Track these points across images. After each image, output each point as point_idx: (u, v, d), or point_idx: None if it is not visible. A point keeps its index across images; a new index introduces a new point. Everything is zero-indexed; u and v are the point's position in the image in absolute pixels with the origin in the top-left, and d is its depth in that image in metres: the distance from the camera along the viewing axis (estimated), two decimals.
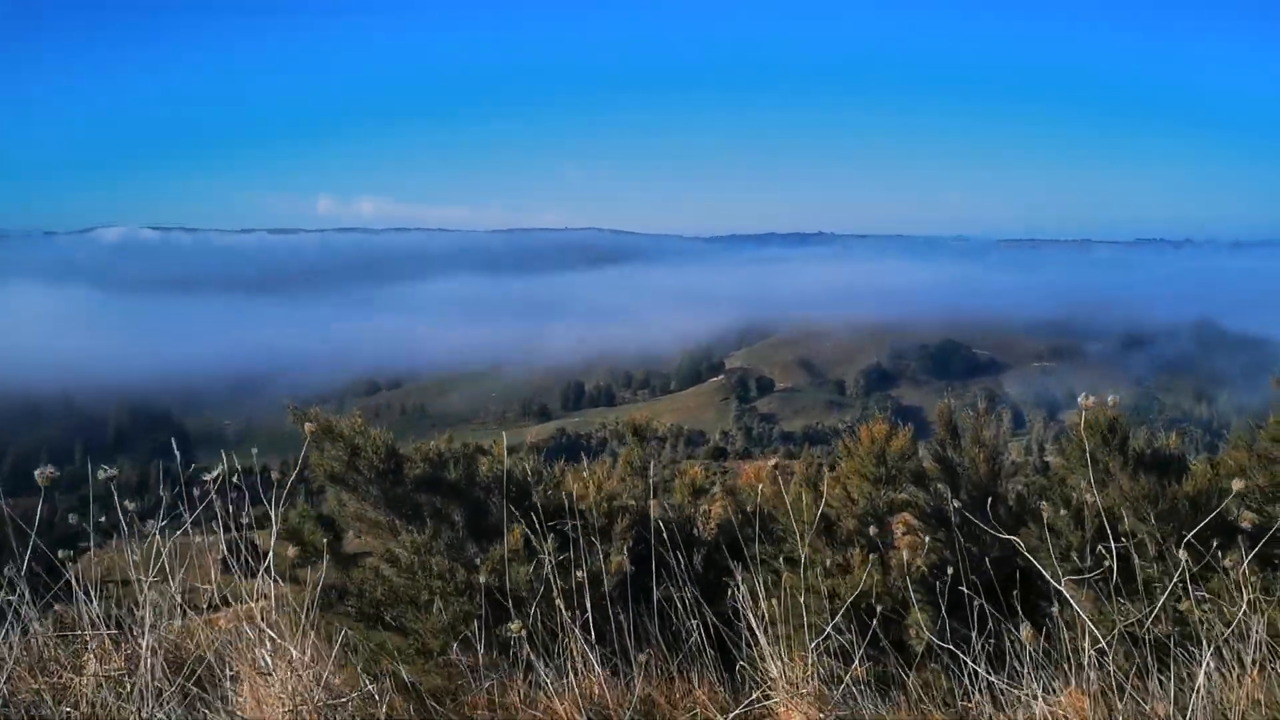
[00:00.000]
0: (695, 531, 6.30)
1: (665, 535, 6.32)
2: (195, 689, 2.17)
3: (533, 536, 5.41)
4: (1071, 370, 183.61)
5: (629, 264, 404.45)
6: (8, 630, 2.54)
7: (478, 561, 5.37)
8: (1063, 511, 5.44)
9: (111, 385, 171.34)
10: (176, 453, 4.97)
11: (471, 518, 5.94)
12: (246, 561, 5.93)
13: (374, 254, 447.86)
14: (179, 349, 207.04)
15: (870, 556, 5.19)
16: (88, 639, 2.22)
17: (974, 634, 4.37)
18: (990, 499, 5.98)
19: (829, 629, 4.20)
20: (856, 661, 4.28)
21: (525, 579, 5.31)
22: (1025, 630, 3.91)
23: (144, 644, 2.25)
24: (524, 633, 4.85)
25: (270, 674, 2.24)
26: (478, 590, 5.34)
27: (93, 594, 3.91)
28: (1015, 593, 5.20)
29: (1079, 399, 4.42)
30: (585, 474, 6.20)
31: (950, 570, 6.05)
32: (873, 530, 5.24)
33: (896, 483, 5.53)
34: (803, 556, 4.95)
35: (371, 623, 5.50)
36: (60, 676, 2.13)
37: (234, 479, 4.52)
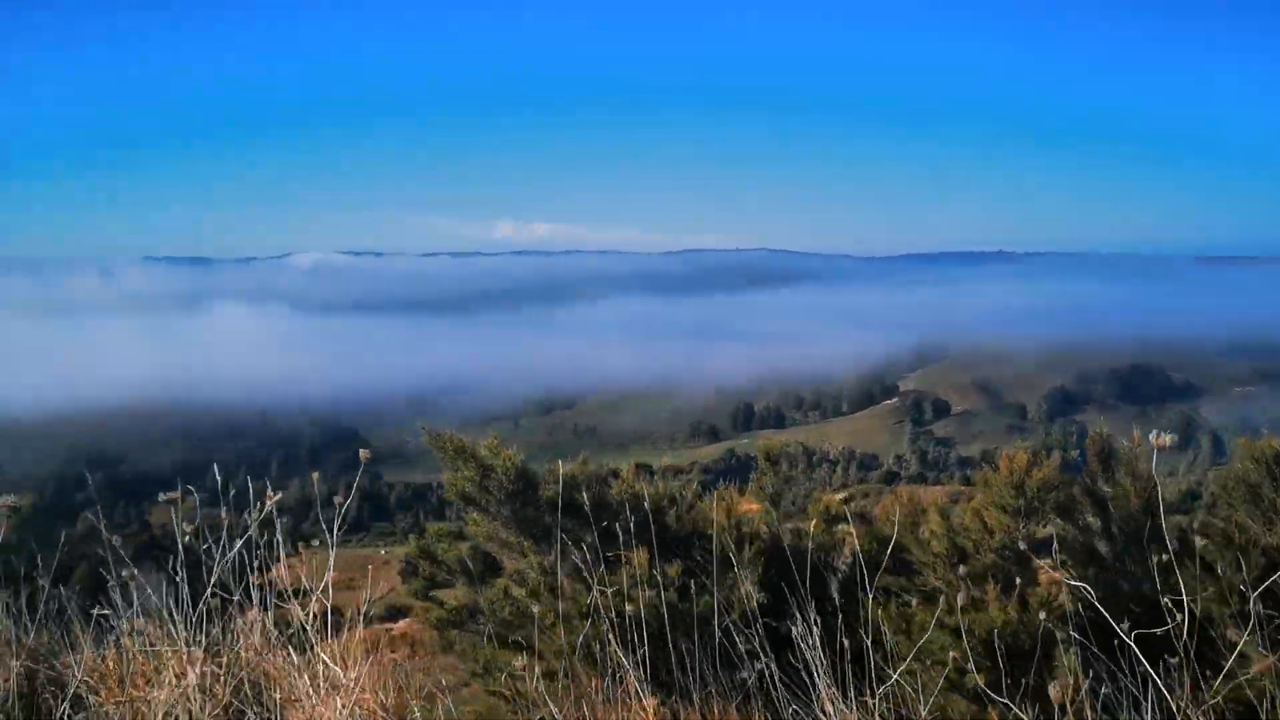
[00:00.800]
0: (830, 560, 6.15)
1: (796, 564, 6.20)
2: (252, 710, 2.22)
3: (657, 561, 5.38)
4: (1278, 395, 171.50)
5: (799, 285, 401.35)
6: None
7: (600, 586, 5.37)
8: (1224, 551, 5.06)
9: (304, 402, 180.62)
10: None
11: (601, 541, 5.96)
12: (419, 573, 6.12)
13: (549, 276, 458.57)
14: (366, 368, 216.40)
15: (1007, 592, 4.94)
16: (167, 654, 2.30)
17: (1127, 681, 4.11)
18: (1145, 535, 5.63)
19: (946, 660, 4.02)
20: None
21: (649, 605, 5.27)
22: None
23: (224, 662, 2.31)
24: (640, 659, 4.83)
25: (304, 699, 2.28)
26: (601, 614, 5.35)
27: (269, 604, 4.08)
28: (1177, 639, 4.86)
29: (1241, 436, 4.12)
30: (719, 499, 6.12)
31: (1097, 610, 5.71)
32: (1010, 565, 5.01)
33: (1038, 515, 5.25)
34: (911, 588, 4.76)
35: (502, 642, 5.57)
36: (139, 691, 2.22)
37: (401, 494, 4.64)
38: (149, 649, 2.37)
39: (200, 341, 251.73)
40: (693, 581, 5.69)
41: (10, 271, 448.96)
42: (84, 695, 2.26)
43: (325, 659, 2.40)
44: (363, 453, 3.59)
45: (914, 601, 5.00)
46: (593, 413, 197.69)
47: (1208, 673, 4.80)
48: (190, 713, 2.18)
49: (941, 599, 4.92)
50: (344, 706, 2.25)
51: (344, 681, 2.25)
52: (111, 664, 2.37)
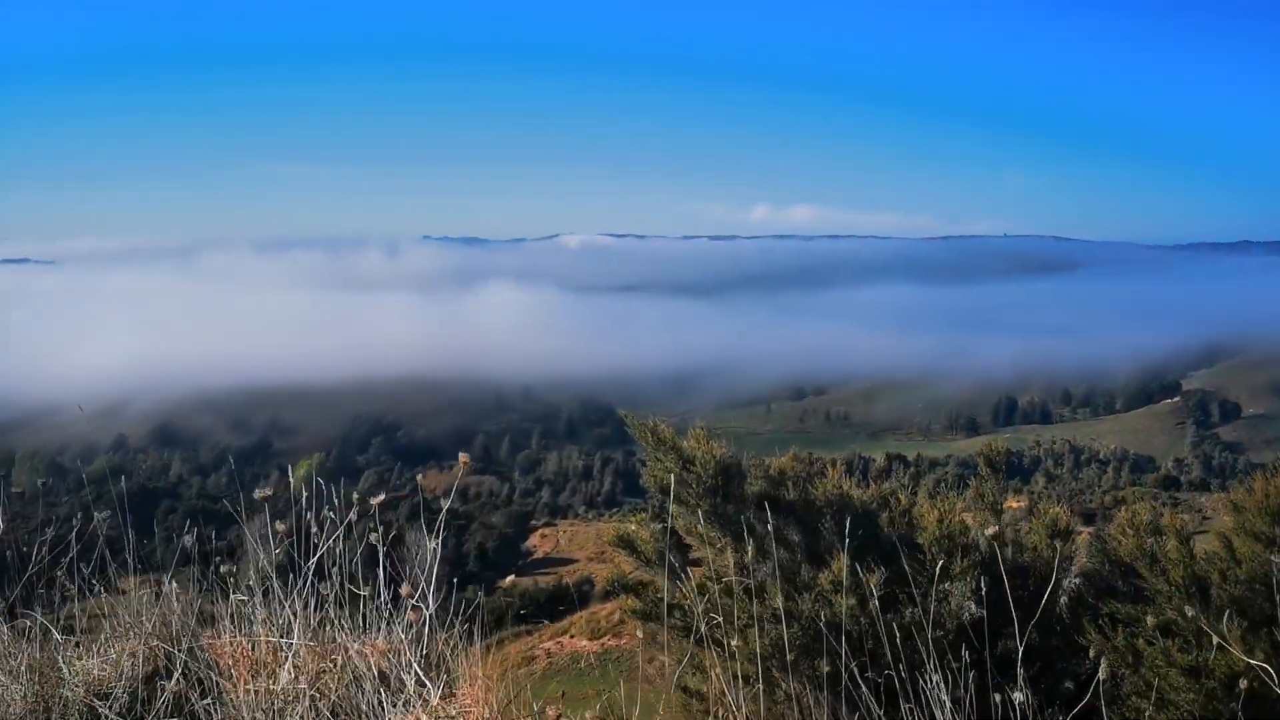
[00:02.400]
0: (1056, 579, 5.66)
1: (1015, 581, 5.75)
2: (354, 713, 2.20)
3: (859, 569, 5.11)
4: None
5: (1074, 273, 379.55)
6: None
7: (797, 590, 5.16)
8: None
9: (566, 378, 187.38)
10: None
11: (807, 541, 5.74)
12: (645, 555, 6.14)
13: (807, 261, 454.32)
14: (626, 347, 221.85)
15: (1255, 631, 4.37)
16: (283, 646, 2.32)
17: None
18: None
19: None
20: None
21: (850, 613, 5.02)
22: None
23: (337, 661, 2.30)
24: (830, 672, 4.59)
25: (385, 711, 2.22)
26: (797, 619, 5.14)
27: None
28: None
29: None
30: (936, 504, 5.75)
31: None
32: (1262, 601, 4.44)
33: None
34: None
35: (697, 639, 5.45)
36: (266, 682, 2.25)
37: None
38: (268, 640, 2.41)
39: (473, 318, 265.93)
40: (900, 592, 5.38)
41: (310, 249, 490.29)
42: (214, 681, 2.32)
43: (416, 664, 2.34)
44: (462, 457, 3.53)
45: (1145, 634, 4.50)
46: (846, 400, 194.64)
47: None
48: (300, 713, 2.19)
49: (1170, 632, 4.43)
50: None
51: (434, 701, 2.18)
52: (242, 652, 2.43)
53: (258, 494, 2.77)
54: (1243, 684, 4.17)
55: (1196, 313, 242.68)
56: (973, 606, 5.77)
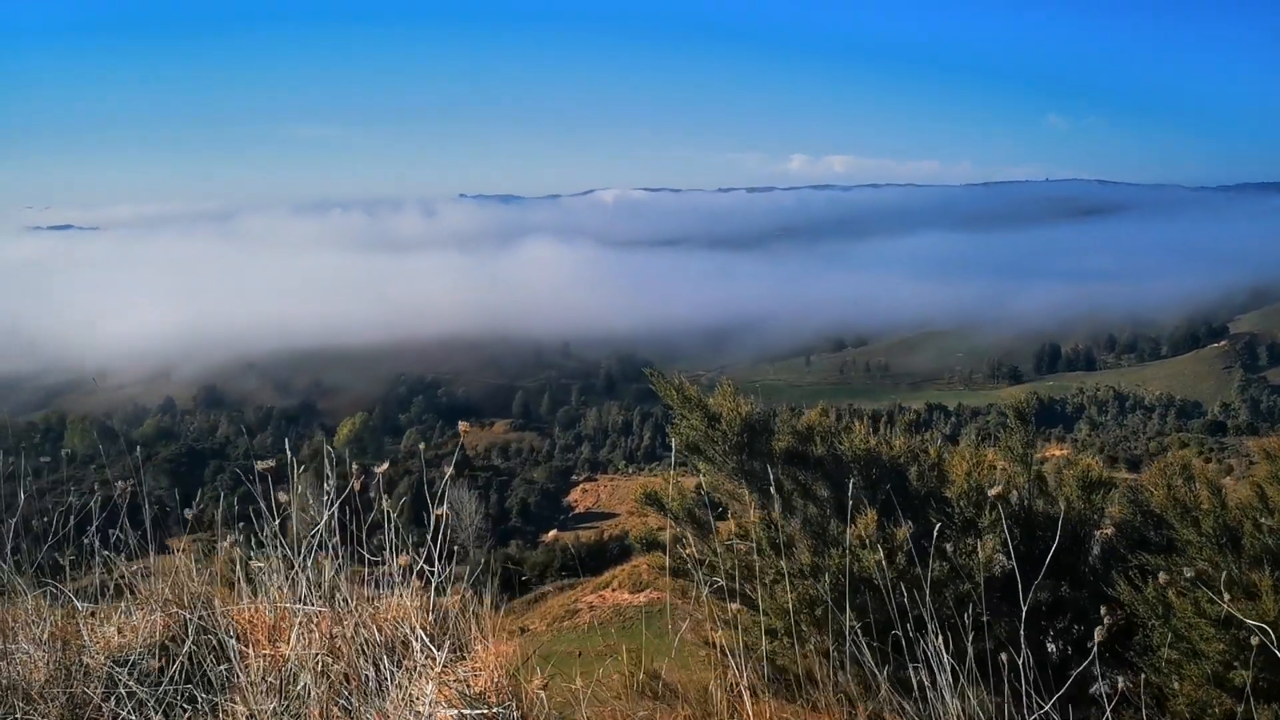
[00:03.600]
0: (1087, 532, 5.62)
1: (1047, 532, 5.71)
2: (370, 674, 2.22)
3: (885, 524, 5.09)
4: None
5: (1118, 217, 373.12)
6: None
7: (824, 544, 5.16)
8: None
9: (605, 334, 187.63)
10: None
11: (835, 496, 5.72)
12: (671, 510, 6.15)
13: (846, 211, 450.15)
14: (665, 302, 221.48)
15: None
16: (298, 611, 2.35)
17: None
18: None
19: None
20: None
21: (875, 567, 5.01)
22: None
23: (353, 624, 2.32)
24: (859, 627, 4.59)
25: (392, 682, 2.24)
26: (824, 574, 5.14)
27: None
28: None
29: None
30: (964, 457, 5.70)
31: None
32: None
33: None
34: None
35: (729, 595, 5.48)
36: (283, 647, 2.28)
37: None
38: (281, 605, 2.43)
39: (511, 276, 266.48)
40: (929, 545, 5.35)
41: (348, 211, 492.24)
42: (229, 645, 2.36)
43: (421, 631, 2.36)
44: (462, 425, 3.52)
45: (1176, 584, 4.46)
46: (886, 351, 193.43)
47: None
48: (308, 679, 2.22)
49: (1201, 583, 4.39)
50: (447, 685, 2.21)
51: (436, 669, 2.19)
52: (260, 616, 2.47)
53: (260, 466, 2.78)
54: (1273, 634, 4.13)
55: (1243, 254, 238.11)
56: (1003, 560, 5.76)
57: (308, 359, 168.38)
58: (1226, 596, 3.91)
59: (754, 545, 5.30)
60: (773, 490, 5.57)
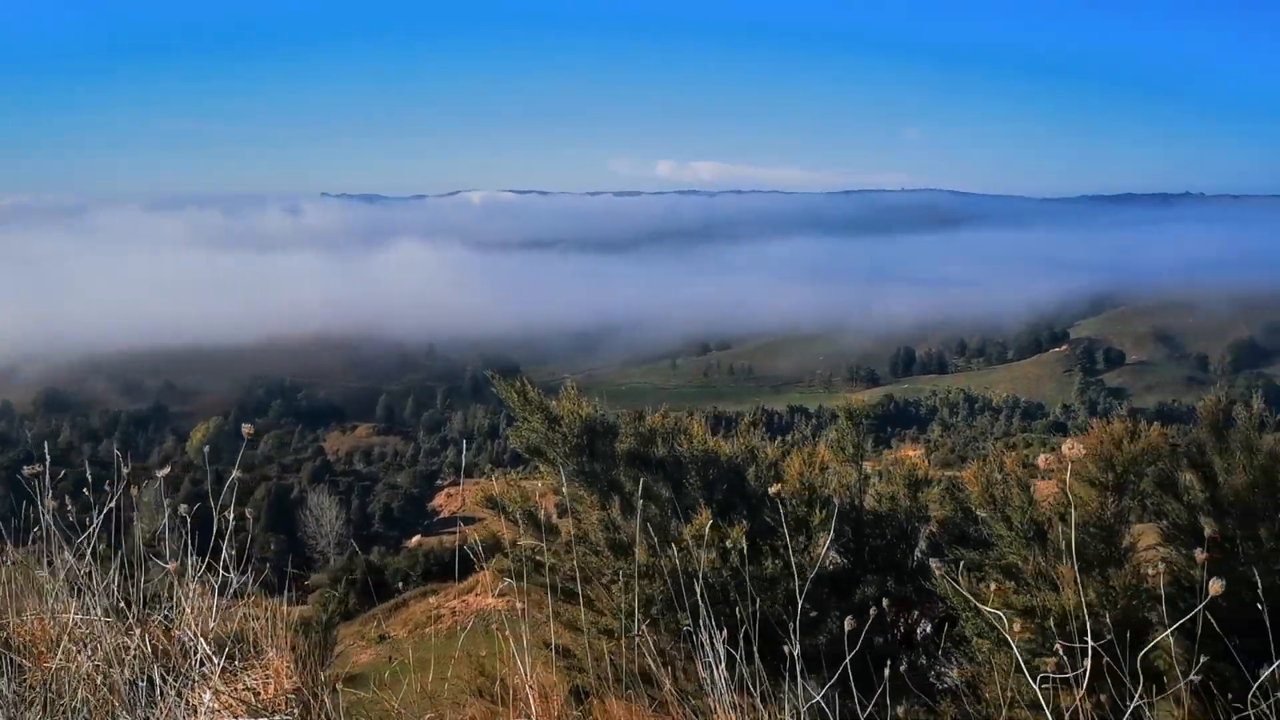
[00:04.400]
0: (914, 529, 5.87)
1: (875, 530, 5.94)
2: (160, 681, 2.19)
3: (723, 522, 5.22)
4: None
5: (970, 227, 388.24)
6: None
7: (659, 544, 5.25)
8: None
9: (472, 337, 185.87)
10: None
11: (676, 497, 5.83)
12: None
13: (713, 216, 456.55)
14: (532, 304, 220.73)
15: (1088, 572, 4.59)
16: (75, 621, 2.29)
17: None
18: (1256, 516, 5.17)
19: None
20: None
21: (711, 565, 5.13)
22: None
23: (140, 633, 2.28)
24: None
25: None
26: (662, 574, 5.24)
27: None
28: None
29: None
30: (801, 456, 5.88)
31: (1199, 595, 5.26)
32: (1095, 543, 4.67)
33: (1131, 490, 4.85)
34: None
35: (568, 596, 5.53)
36: (65, 659, 2.22)
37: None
38: (67, 616, 2.37)
39: (377, 276, 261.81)
40: (764, 544, 5.51)
41: (205, 207, 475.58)
42: (8, 660, 2.28)
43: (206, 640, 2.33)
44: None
45: (988, 578, 4.70)
46: (750, 354, 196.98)
47: None
48: (95, 684, 2.17)
49: (1010, 575, 4.65)
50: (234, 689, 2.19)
51: (215, 677, 2.18)
52: (44, 628, 2.39)
53: (27, 470, 2.69)
54: (1074, 623, 4.40)
55: (1084, 263, 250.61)
56: (835, 556, 5.96)
57: (160, 361, 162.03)
58: (1045, 587, 4.14)
59: (593, 546, 5.37)
60: (613, 492, 5.67)
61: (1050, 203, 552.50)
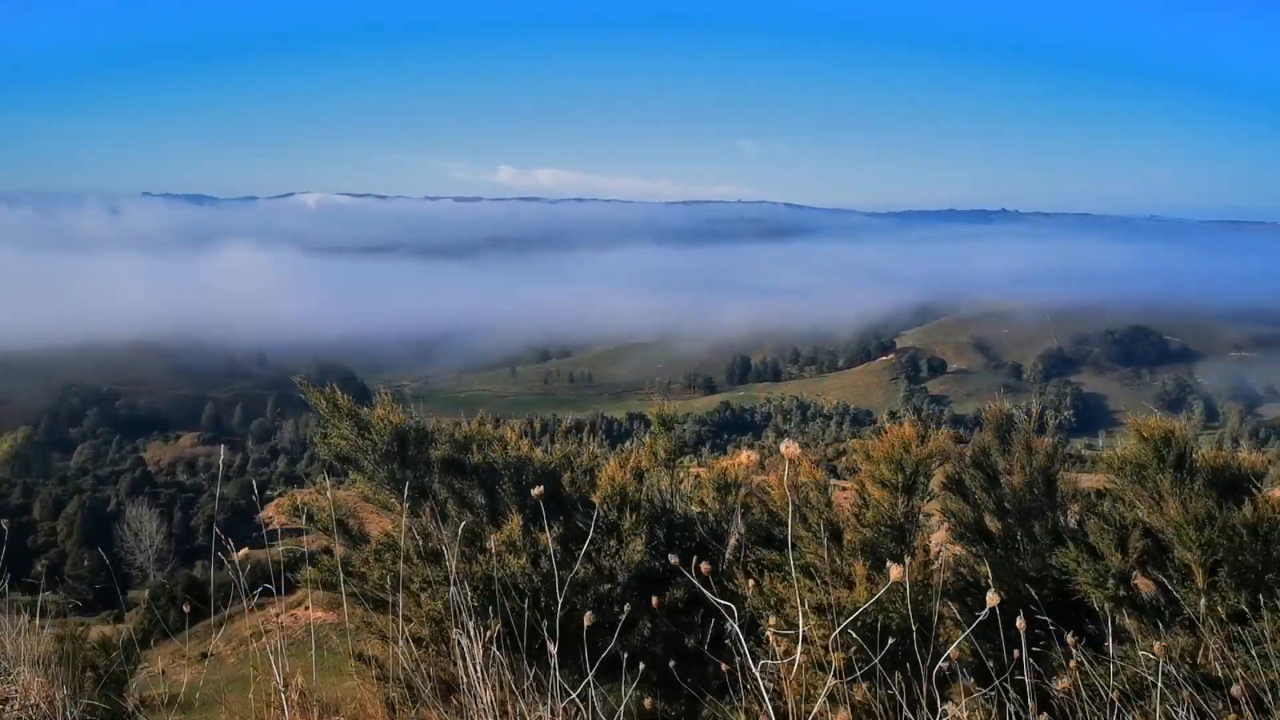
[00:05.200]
0: (725, 531, 6.02)
1: (685, 533, 6.08)
2: None
3: (534, 527, 5.26)
4: (1275, 361, 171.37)
5: (803, 239, 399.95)
6: None
7: (472, 551, 5.25)
8: (1106, 532, 4.93)
9: (305, 343, 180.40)
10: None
11: (490, 504, 5.84)
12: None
13: (554, 223, 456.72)
14: (369, 310, 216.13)
15: (879, 569, 4.82)
16: None
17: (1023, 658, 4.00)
18: (1032, 513, 5.52)
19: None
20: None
21: (522, 571, 5.16)
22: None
23: None
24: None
25: None
26: (474, 580, 5.23)
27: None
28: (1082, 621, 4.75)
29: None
30: (616, 462, 5.97)
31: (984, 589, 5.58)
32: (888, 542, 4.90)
33: (921, 490, 5.12)
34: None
35: (379, 606, 5.47)
36: None
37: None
38: None
39: (205, 280, 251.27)
40: (576, 549, 5.56)
41: (15, 205, 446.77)
42: None
43: None
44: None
45: (788, 578, 4.88)
46: (590, 361, 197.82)
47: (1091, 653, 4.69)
48: None
49: (810, 575, 4.83)
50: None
51: None
52: None
53: None
54: (868, 619, 4.62)
55: (909, 276, 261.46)
56: (645, 560, 6.06)
57: None
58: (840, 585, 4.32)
59: (402, 554, 5.32)
60: (425, 499, 5.63)
61: (878, 217, 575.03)
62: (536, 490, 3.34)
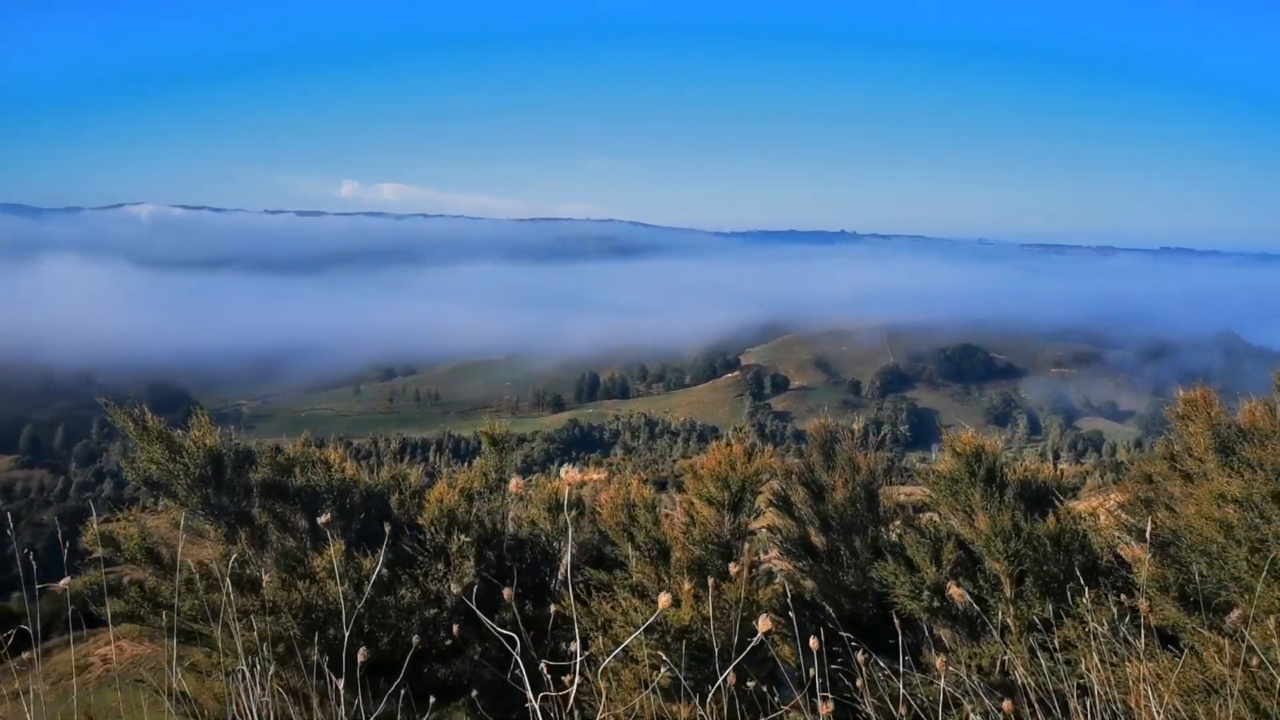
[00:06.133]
0: (556, 551, 5.98)
1: (515, 555, 6.01)
2: None
3: (355, 553, 5.11)
4: (1091, 377, 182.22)
5: (649, 257, 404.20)
6: None
7: (293, 578, 5.07)
8: (922, 545, 5.09)
9: (137, 361, 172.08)
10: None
11: (313, 528, 5.65)
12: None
13: (400, 239, 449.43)
14: (205, 327, 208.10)
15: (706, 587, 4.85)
16: None
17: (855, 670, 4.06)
18: (853, 529, 5.66)
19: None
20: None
21: (345, 597, 5.00)
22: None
23: None
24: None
25: None
26: (293, 608, 5.05)
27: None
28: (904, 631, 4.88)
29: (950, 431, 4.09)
30: (445, 483, 5.86)
31: (813, 603, 5.71)
32: (715, 559, 4.95)
33: (747, 508, 5.19)
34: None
35: (188, 637, 5.22)
36: None
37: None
38: None
39: (24, 294, 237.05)
40: (402, 574, 5.44)
41: None
42: None
43: None
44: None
45: (617, 598, 4.86)
46: (436, 379, 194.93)
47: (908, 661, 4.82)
48: None
49: (640, 594, 4.84)
50: None
51: None
52: None
53: None
54: (692, 636, 4.64)
55: (754, 295, 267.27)
56: (474, 583, 5.97)
57: None
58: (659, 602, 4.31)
59: (214, 583, 5.09)
60: (241, 524, 5.40)
61: (723, 236, 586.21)
62: (323, 519, 3.21)
